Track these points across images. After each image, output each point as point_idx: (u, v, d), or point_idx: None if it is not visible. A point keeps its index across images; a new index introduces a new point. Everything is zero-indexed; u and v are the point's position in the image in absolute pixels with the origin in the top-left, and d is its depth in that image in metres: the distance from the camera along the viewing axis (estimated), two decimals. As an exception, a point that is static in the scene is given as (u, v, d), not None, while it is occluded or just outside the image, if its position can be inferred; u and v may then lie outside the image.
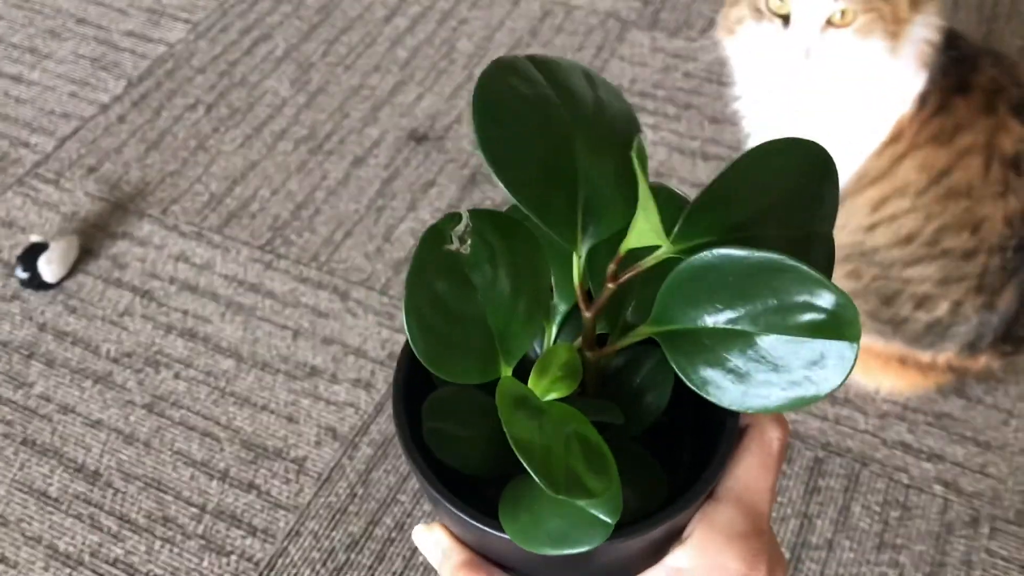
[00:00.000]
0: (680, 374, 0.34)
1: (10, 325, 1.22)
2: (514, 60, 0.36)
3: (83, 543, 1.04)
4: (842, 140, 1.02)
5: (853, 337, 0.32)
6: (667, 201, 0.38)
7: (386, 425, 1.13)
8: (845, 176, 1.03)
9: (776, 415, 0.39)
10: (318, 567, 1.03)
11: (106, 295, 1.25)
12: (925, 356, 1.09)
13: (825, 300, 0.32)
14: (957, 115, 0.97)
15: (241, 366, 1.18)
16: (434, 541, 0.40)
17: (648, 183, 0.32)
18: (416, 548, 0.96)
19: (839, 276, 1.06)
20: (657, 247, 0.34)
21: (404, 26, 1.59)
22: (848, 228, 1.04)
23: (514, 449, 0.32)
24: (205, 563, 1.03)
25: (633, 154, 0.33)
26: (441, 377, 0.35)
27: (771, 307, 0.32)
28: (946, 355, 1.08)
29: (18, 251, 1.28)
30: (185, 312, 1.24)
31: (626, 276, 0.35)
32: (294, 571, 1.03)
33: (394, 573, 1.03)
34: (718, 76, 1.49)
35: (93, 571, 1.02)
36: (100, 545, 1.04)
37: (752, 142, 1.09)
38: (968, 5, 1.61)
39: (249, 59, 1.54)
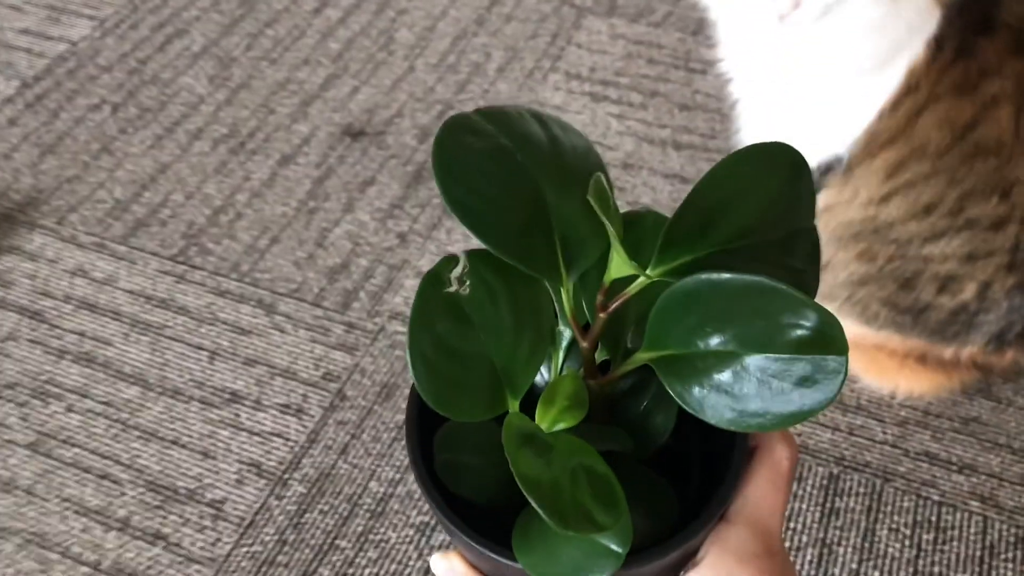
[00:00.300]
0: (677, 398, 0.34)
1: None
2: (464, 117, 0.36)
3: (-54, 616, 0.84)
4: (842, 97, 0.88)
5: (840, 351, 0.33)
6: (654, 226, 0.39)
7: (321, 457, 0.95)
8: (850, 140, 0.88)
9: (783, 433, 0.40)
10: (239, 632, 0.84)
11: (-13, 318, 1.06)
12: (947, 351, 0.95)
13: (809, 319, 0.33)
14: (981, 59, 0.83)
15: (147, 394, 1.00)
16: (451, 569, 0.41)
17: (617, 219, 0.34)
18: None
19: (849, 259, 0.91)
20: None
21: (336, 17, 1.43)
22: (858, 201, 0.89)
23: (521, 487, 0.32)
24: (98, 634, 0.83)
25: (590, 197, 0.33)
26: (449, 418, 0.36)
27: (758, 328, 0.33)
28: (970, 350, 0.94)
29: None
30: (81, 334, 1.05)
31: (613, 306, 0.36)
32: (209, 639, 0.84)
33: (333, 635, 0.84)
34: (685, 62, 1.36)
35: (-43, 651, 0.83)
36: (-33, 618, 0.84)
37: (741, 106, 0.93)
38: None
39: (162, 56, 1.37)
